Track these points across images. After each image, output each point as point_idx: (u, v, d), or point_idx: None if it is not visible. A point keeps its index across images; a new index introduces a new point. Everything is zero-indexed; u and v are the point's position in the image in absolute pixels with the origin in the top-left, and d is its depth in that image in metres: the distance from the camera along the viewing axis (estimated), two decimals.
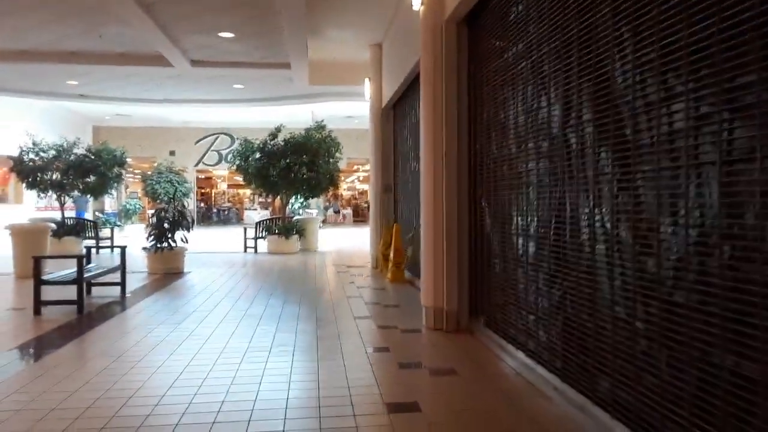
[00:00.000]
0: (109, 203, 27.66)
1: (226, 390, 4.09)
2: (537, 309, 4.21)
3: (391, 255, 9.48)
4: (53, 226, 10.51)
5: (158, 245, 10.34)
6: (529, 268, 4.35)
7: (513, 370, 4.46)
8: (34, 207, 21.89)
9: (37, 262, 6.74)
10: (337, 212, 32.90)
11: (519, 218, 4.58)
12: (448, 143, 5.89)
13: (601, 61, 3.26)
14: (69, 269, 7.37)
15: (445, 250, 5.89)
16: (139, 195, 28.74)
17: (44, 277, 6.79)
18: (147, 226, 12.33)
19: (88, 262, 8.29)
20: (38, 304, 6.69)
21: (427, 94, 6.07)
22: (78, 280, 6.82)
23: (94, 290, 8.28)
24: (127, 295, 8.18)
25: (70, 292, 6.94)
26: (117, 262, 8.39)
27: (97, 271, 7.61)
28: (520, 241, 4.55)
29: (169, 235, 10.43)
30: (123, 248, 8.62)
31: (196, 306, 7.34)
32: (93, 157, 15.05)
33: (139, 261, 11.02)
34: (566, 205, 3.71)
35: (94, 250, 13.88)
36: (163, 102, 16.97)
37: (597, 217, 3.30)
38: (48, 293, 7.41)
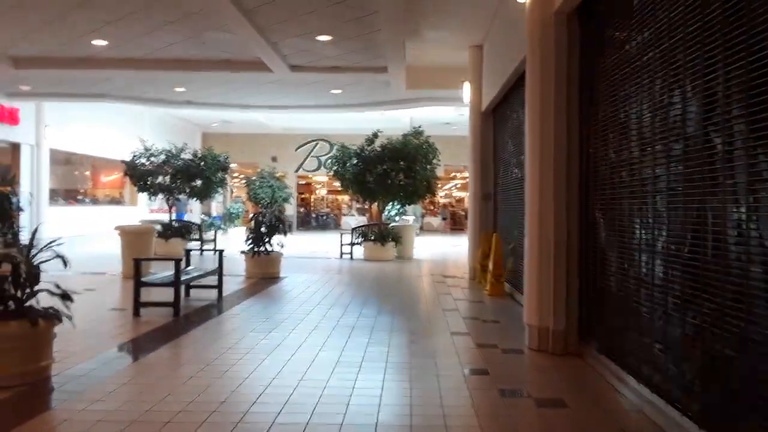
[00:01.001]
0: (215, 207, 28.83)
1: (312, 409, 3.81)
2: (666, 338, 3.62)
3: (490, 266, 8.97)
4: (159, 227, 10.83)
5: (256, 249, 10.40)
6: (656, 290, 3.77)
7: (634, 407, 3.88)
8: (147, 209, 23.17)
9: (137, 263, 6.84)
10: (445, 219, 32.44)
11: (642, 231, 4.00)
12: (556, 147, 5.35)
13: (757, 43, 2.69)
14: (170, 271, 7.45)
15: (553, 265, 5.34)
16: (243, 199, 29.70)
17: (143, 279, 6.88)
18: (246, 229, 12.51)
19: (188, 264, 8.40)
20: (138, 305, 6.79)
21: (533, 93, 5.57)
22: (175, 283, 6.85)
23: (193, 292, 8.37)
24: (224, 298, 8.21)
25: (170, 294, 6.99)
26: (216, 265, 8.45)
27: (195, 274, 7.66)
28: (644, 257, 3.97)
29: (267, 240, 10.47)
30: (221, 252, 8.67)
31: (289, 313, 7.21)
32: (198, 161, 15.57)
33: (239, 264, 11.15)
34: (707, 218, 3.13)
35: (198, 252, 14.55)
36: (265, 108, 17.33)
37: (752, 233, 2.72)
38: (149, 294, 7.56)
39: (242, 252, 10.71)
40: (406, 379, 4.52)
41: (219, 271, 8.30)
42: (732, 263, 2.88)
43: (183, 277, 7.19)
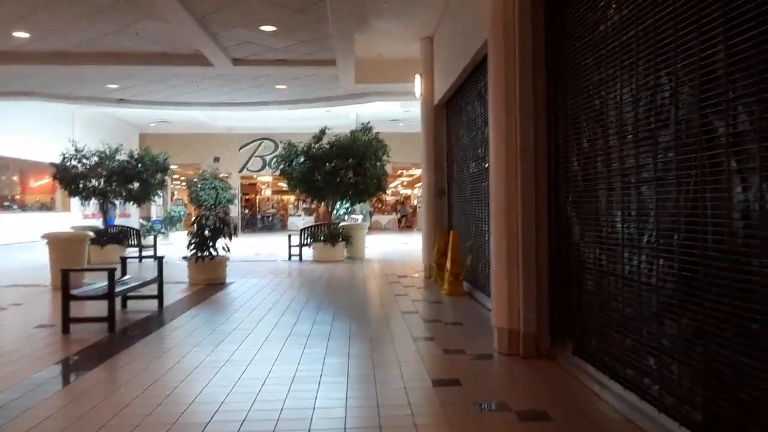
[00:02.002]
0: (155, 210, 27.63)
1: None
2: (655, 340, 3.32)
3: (448, 265, 8.65)
4: (91, 234, 10.03)
5: (199, 254, 9.77)
6: (642, 288, 3.47)
7: (621, 415, 3.58)
8: (80, 215, 21.91)
9: (65, 275, 6.16)
10: (404, 216, 32.14)
11: (624, 225, 3.70)
12: (523, 138, 5.03)
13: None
14: (103, 282, 6.79)
15: (521, 263, 5.02)
16: (185, 202, 28.62)
17: (73, 292, 6.22)
18: (188, 233, 11.82)
19: (123, 273, 7.73)
20: (67, 321, 6.12)
21: (496, 80, 5.23)
22: (109, 295, 6.22)
23: (131, 303, 7.71)
24: (165, 308, 7.59)
25: (104, 308, 6.34)
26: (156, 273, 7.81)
27: (132, 284, 7.02)
28: (626, 253, 3.67)
29: (211, 244, 9.85)
30: (160, 258, 8.02)
31: (237, 322, 6.67)
32: (135, 163, 14.69)
33: (182, 270, 10.49)
34: (706, 209, 2.83)
35: (137, 259, 13.70)
36: (206, 105, 16.54)
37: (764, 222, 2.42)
38: (82, 308, 6.91)
39: (184, 258, 10.05)
40: (371, 394, 4.09)
41: (159, 280, 7.66)
42: (740, 257, 2.59)
43: (118, 288, 6.55)
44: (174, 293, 8.81)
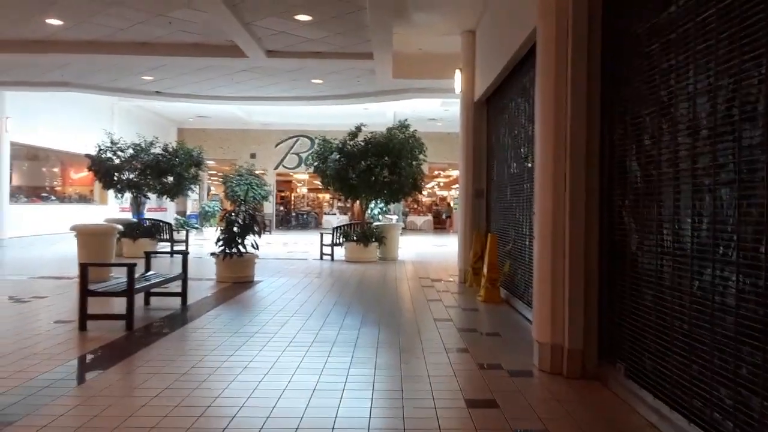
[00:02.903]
0: (191, 205, 27.76)
1: None
2: (731, 368, 2.83)
3: (485, 270, 8.17)
4: (120, 228, 9.87)
5: (227, 251, 9.50)
6: (716, 307, 2.98)
7: None
8: (118, 207, 22.06)
9: (84, 269, 5.92)
10: (449, 217, 31.58)
11: (695, 234, 3.21)
12: (573, 135, 4.55)
13: None
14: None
15: (568, 273, 4.55)
16: (221, 197, 28.71)
17: (92, 287, 5.96)
18: (218, 229, 11.61)
19: (148, 268, 7.49)
20: (84, 318, 5.87)
21: (546, 71, 4.75)
22: (128, 292, 5.95)
23: (155, 300, 7.46)
24: (188, 307, 7.32)
25: (125, 304, 6.08)
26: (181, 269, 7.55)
27: (154, 281, 6.76)
28: (695, 266, 3.18)
29: (239, 241, 9.57)
30: (185, 254, 7.76)
31: (261, 325, 6.34)
32: (170, 156, 14.59)
33: (211, 267, 10.25)
34: None
35: (168, 255, 13.57)
36: (241, 99, 16.34)
37: None
38: (104, 305, 6.68)
39: (212, 254, 9.80)
40: (397, 414, 3.68)
41: (183, 277, 7.40)
42: None
43: (138, 285, 6.29)
44: (199, 291, 8.55)
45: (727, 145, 2.92)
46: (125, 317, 5.93)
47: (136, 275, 6.59)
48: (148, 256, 7.74)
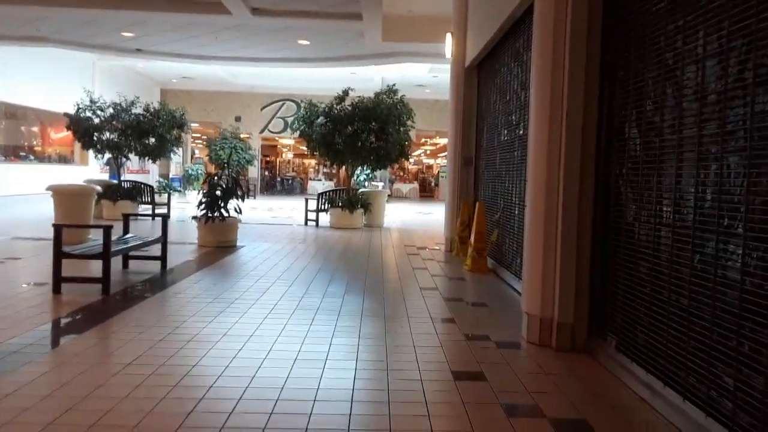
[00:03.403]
0: (174, 168, 27.28)
1: (264, 425, 2.86)
2: (733, 346, 2.71)
3: (471, 239, 8.04)
4: (99, 189, 9.58)
5: (209, 215, 9.27)
6: (718, 281, 2.84)
7: (677, 430, 3.00)
8: (99, 169, 21.60)
9: (58, 230, 5.68)
10: (436, 185, 31.40)
11: (698, 204, 3.05)
12: (570, 100, 4.36)
13: None
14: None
15: (560, 243, 4.41)
16: (205, 161, 28.26)
17: (66, 249, 5.74)
18: (199, 193, 11.35)
19: (126, 231, 7.27)
20: (58, 280, 5.67)
21: (543, 31, 4.53)
22: (104, 254, 5.73)
23: (134, 264, 7.26)
24: (169, 271, 7.13)
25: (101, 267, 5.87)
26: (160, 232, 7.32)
27: (132, 244, 6.54)
28: (697, 238, 3.04)
29: (222, 204, 9.34)
30: (165, 217, 7.54)
31: (243, 290, 6.18)
32: (151, 117, 14.18)
33: (193, 231, 10.03)
34: None
35: (150, 217, 13.31)
36: (225, 60, 15.86)
37: None
38: (82, 267, 6.48)
39: (194, 218, 9.58)
40: (382, 386, 3.56)
41: (163, 240, 7.19)
42: None
43: (115, 248, 6.08)
44: (180, 255, 8.35)
45: (738, 111, 2.74)
46: (101, 281, 5.73)
47: (114, 238, 6.40)
48: (127, 218, 7.52)
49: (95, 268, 6.30)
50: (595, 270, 4.39)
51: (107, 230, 5.77)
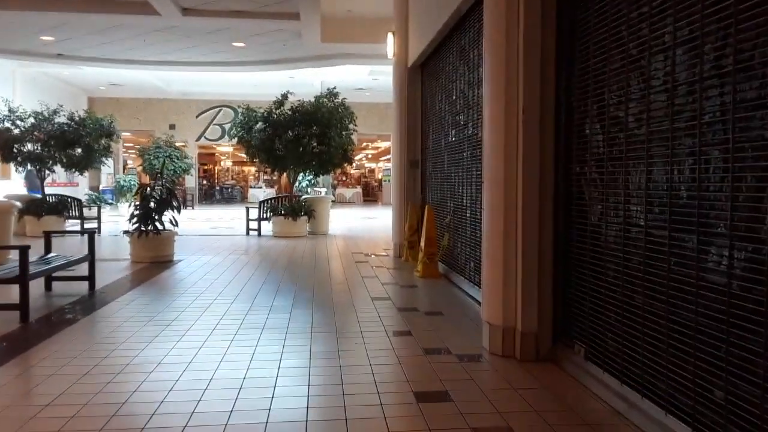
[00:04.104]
0: (105, 180, 26.00)
1: None
2: (721, 356, 2.50)
3: (422, 244, 7.78)
4: (18, 204, 8.82)
5: (142, 229, 8.68)
6: (701, 287, 2.64)
7: None
8: (23, 183, 20.28)
9: None
10: (380, 190, 30.95)
11: (673, 203, 2.85)
12: (527, 95, 4.14)
13: None
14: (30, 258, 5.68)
15: (521, 248, 4.17)
16: (138, 171, 27.08)
17: None
18: (130, 206, 10.69)
19: (48, 250, 6.64)
20: None
21: (495, 22, 4.30)
22: (21, 278, 5.15)
23: (58, 286, 6.65)
24: (97, 291, 6.55)
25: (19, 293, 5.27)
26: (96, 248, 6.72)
27: (55, 264, 5.95)
28: (673, 239, 2.83)
29: (156, 217, 8.76)
30: (91, 233, 6.94)
31: (181, 309, 5.70)
32: (76, 126, 13.33)
33: (125, 246, 9.38)
34: None
35: (78, 234, 12.45)
36: (156, 64, 15.08)
37: None
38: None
39: (126, 232, 8.95)
40: (339, 414, 3.21)
41: (90, 258, 6.60)
42: None
43: (36, 269, 5.49)
44: (111, 273, 7.74)
45: (717, 100, 2.55)
46: (19, 307, 5.14)
47: (35, 258, 5.82)
48: (49, 235, 6.88)
49: (14, 293, 5.68)
50: (558, 275, 4.17)
51: (24, 250, 5.19)
